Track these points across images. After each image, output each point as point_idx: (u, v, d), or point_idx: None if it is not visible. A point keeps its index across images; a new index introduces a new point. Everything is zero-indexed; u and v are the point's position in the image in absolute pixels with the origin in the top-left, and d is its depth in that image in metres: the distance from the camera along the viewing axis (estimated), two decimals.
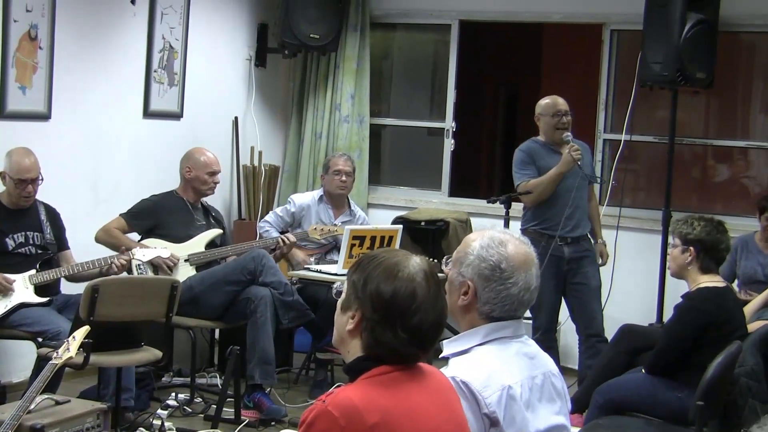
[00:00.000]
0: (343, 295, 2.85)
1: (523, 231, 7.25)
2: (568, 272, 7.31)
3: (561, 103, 7.32)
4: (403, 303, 2.75)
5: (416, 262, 2.83)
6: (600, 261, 7.55)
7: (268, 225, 7.97)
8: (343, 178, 8.00)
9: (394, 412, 2.68)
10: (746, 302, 6.86)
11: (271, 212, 8.22)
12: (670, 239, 5.79)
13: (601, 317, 7.40)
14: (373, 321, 2.75)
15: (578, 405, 6.12)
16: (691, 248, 5.50)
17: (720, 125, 8.92)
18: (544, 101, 7.38)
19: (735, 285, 7.29)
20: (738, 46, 8.59)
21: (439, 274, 2.93)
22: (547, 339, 7.18)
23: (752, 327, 6.08)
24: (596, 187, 8.03)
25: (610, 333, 6.95)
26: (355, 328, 2.79)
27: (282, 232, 7.93)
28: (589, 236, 7.45)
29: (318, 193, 8.12)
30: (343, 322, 2.83)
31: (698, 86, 7.92)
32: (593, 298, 7.35)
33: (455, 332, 3.33)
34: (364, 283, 2.78)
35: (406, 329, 2.74)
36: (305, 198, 8.13)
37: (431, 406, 2.79)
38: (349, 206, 8.17)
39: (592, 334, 7.32)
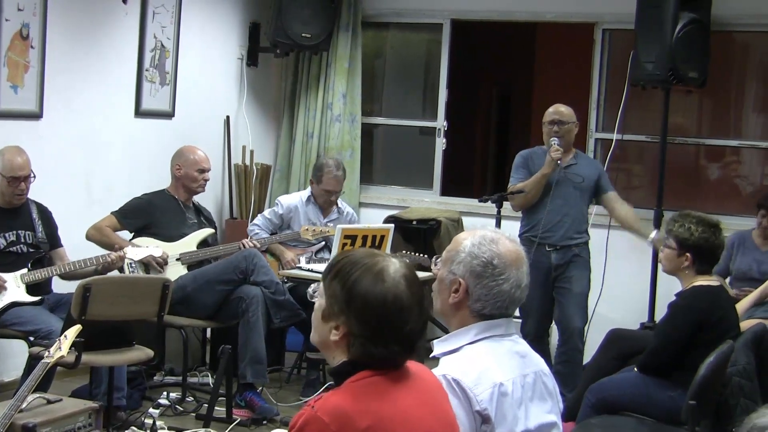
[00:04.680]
0: (323, 302, 2.79)
1: (520, 237, 7.28)
2: (556, 278, 7.30)
3: (553, 112, 7.29)
4: (393, 318, 2.70)
5: (396, 267, 2.76)
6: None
7: (258, 228, 7.97)
8: (333, 197, 8.00)
9: (386, 415, 2.67)
10: (738, 300, 6.85)
11: (259, 215, 8.21)
12: (663, 234, 5.77)
13: (580, 324, 7.29)
14: (363, 337, 2.70)
15: (571, 413, 6.09)
16: (688, 254, 5.50)
17: (712, 125, 8.93)
18: (549, 109, 7.36)
19: (727, 281, 7.28)
20: (731, 46, 8.60)
21: (424, 273, 2.91)
22: (539, 344, 7.17)
23: (744, 325, 6.07)
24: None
25: (601, 332, 6.93)
26: (341, 340, 2.74)
27: (272, 233, 7.94)
28: (584, 244, 7.39)
29: (306, 194, 8.09)
30: (326, 330, 2.77)
31: (691, 86, 7.93)
32: (572, 303, 7.27)
33: (447, 332, 3.33)
34: (348, 301, 2.71)
35: (398, 341, 2.72)
36: (292, 199, 8.11)
37: (422, 407, 2.78)
38: (337, 204, 8.16)
39: (566, 341, 7.29)
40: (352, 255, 2.81)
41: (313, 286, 2.93)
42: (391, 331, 2.70)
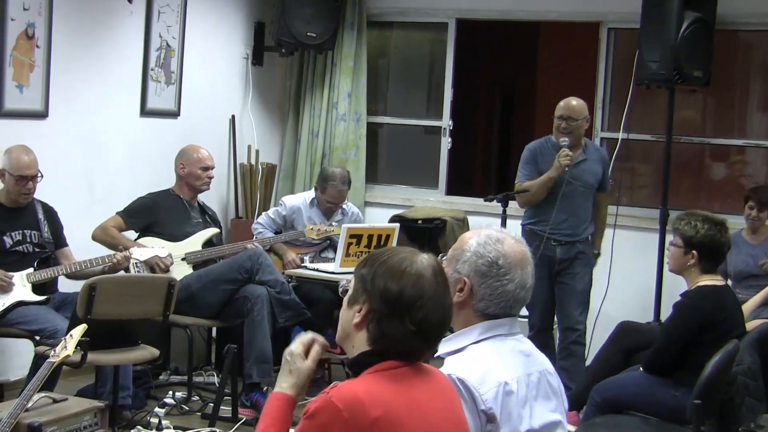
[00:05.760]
0: (351, 291, 2.87)
1: (522, 227, 7.29)
2: (559, 272, 7.30)
3: (564, 107, 7.21)
4: (411, 297, 2.76)
5: (425, 258, 2.85)
6: None
7: (261, 226, 7.98)
8: (335, 207, 8.02)
9: (397, 407, 2.70)
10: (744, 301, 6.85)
11: (263, 213, 8.21)
12: (671, 237, 5.78)
13: (581, 319, 7.32)
14: (381, 313, 2.77)
15: (575, 403, 6.12)
16: (694, 251, 5.50)
17: (717, 124, 8.92)
18: (561, 102, 7.32)
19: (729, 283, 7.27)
20: (735, 45, 8.59)
21: None
22: (543, 338, 7.19)
23: (750, 325, 6.08)
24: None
25: (606, 331, 6.94)
26: (362, 320, 2.81)
27: (276, 232, 7.94)
28: (588, 239, 7.41)
29: (310, 196, 8.07)
30: (350, 316, 2.84)
31: (695, 85, 7.91)
32: (574, 299, 7.28)
33: (451, 331, 3.33)
34: (373, 278, 2.80)
35: (414, 322, 2.76)
36: (296, 200, 8.11)
37: (433, 403, 2.81)
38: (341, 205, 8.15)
39: (567, 335, 7.31)
40: (384, 249, 2.94)
41: (343, 282, 3.01)
42: (409, 311, 2.76)
